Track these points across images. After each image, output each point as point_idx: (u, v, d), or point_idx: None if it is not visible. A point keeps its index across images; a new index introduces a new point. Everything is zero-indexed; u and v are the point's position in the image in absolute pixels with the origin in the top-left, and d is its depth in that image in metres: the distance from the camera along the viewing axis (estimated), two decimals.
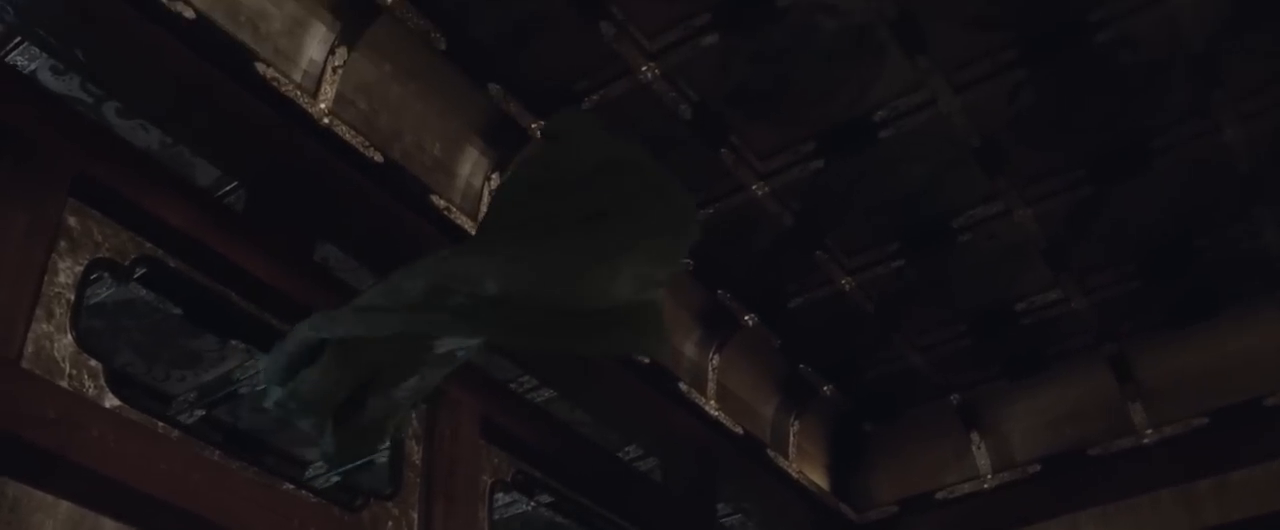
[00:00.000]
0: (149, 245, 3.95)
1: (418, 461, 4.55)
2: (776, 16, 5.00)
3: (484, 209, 4.81)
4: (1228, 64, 5.39)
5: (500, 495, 5.22)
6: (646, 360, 5.79)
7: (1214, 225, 6.29)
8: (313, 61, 4.54)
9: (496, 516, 5.05)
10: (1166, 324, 6.72)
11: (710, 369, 6.52)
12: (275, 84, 4.40)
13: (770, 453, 6.75)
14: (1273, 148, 5.81)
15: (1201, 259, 6.44)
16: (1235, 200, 6.13)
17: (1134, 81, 5.52)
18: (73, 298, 3.65)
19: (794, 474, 6.87)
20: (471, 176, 5.09)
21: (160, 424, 3.84)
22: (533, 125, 5.12)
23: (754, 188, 5.78)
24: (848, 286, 6.49)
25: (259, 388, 3.75)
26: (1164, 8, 5.12)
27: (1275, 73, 5.47)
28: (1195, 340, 6.79)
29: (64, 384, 3.52)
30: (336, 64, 4.57)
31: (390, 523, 4.32)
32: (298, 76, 4.51)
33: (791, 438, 7.01)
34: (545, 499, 5.46)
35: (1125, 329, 6.80)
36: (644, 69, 5.06)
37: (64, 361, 3.54)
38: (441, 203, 4.97)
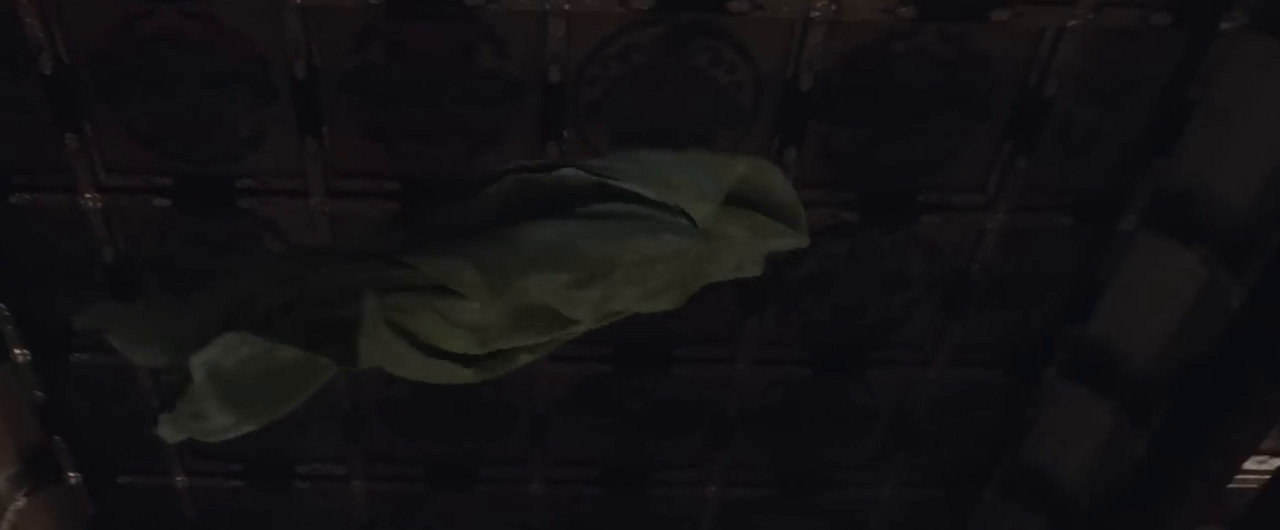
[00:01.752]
0: None
1: None
2: (234, 215, 4.22)
3: None
4: (555, 430, 5.09)
5: None
6: None
7: None
8: None
9: None
10: None
11: (12, 510, 5.09)
12: None
13: None
14: (567, 510, 5.48)
15: None
16: None
17: (488, 415, 5.10)
18: None
19: None
20: None
21: None
22: None
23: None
24: (181, 485, 5.37)
25: None
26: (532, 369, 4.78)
27: (585, 453, 5.23)
28: None
29: None
30: None
31: None
32: None
33: None
34: None
35: None
36: (88, 198, 4.07)
37: None
38: None
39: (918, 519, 5.34)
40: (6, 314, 4.41)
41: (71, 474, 5.14)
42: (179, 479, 5.28)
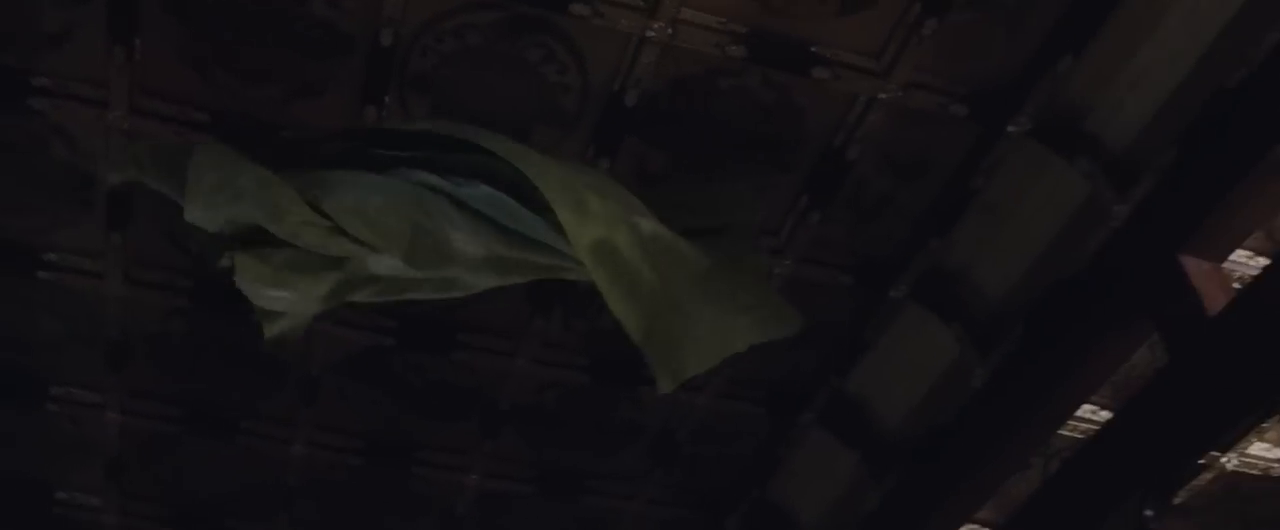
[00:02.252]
0: None
1: None
2: (23, 113, 3.79)
3: None
4: (326, 394, 4.80)
5: None
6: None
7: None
8: None
9: None
10: None
11: None
12: None
13: None
14: (325, 474, 5.13)
15: None
16: (278, 500, 5.27)
17: (261, 367, 4.76)
18: None
19: None
20: None
21: None
22: None
23: None
24: None
25: None
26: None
27: (353, 421, 4.93)
28: None
29: None
30: None
31: None
32: None
33: None
34: None
35: None
36: None
37: None
38: None
39: None
40: None
41: None
42: None
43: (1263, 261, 3.55)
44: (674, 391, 4.19)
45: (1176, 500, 3.58)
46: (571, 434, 4.89)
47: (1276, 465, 3.82)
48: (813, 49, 3.51)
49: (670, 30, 3.44)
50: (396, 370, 4.65)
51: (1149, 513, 3.55)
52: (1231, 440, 3.48)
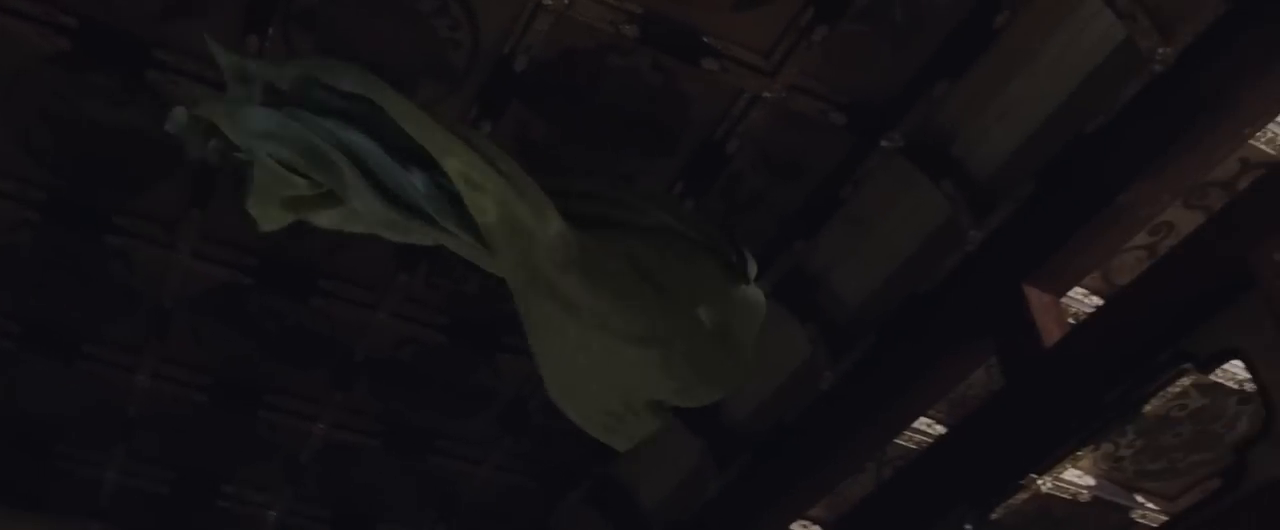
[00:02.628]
0: None
1: None
2: None
3: None
4: (178, 327, 4.57)
5: None
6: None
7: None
8: None
9: None
10: None
11: None
12: None
13: None
14: (169, 409, 4.89)
15: None
16: (116, 429, 5.00)
17: (111, 292, 4.49)
18: None
19: None
20: None
21: None
22: None
23: None
24: None
25: None
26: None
27: (202, 358, 4.69)
28: None
29: None
30: None
31: None
32: None
33: None
34: None
35: None
36: None
37: None
38: None
39: (505, 502, 5.22)
40: None
41: None
42: None
43: (1097, 301, 3.66)
44: (529, 362, 4.15)
45: (994, 516, 3.67)
46: (424, 393, 4.78)
47: (1084, 492, 3.96)
48: (705, 39, 3.47)
49: (567, 0, 3.36)
50: (252, 310, 4.47)
51: (968, 526, 3.64)
52: (1050, 464, 3.59)
